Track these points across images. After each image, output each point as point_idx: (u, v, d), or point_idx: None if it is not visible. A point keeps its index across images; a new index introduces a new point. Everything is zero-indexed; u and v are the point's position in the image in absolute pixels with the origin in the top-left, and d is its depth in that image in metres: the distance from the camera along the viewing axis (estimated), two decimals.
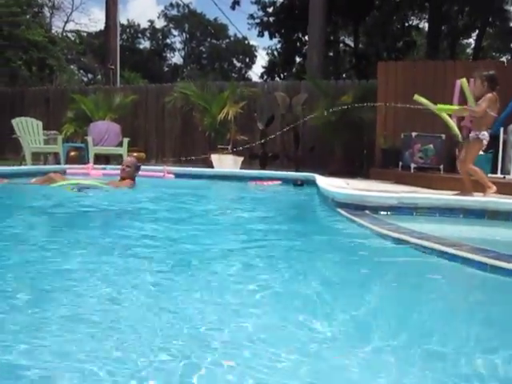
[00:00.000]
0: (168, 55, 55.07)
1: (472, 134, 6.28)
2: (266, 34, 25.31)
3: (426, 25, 23.42)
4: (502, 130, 9.04)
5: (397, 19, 21.43)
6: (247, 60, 52.24)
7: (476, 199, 5.13)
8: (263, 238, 4.01)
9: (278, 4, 25.35)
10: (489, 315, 2.32)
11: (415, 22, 28.07)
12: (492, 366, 1.72)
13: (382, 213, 4.80)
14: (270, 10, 25.52)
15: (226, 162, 11.60)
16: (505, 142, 8.96)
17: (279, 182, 8.95)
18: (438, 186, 8.12)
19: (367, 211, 4.75)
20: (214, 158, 11.84)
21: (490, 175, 8.82)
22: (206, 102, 13.46)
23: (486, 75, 6.24)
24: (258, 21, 26.28)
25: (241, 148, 13.25)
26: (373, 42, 21.84)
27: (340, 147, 12.90)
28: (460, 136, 10.34)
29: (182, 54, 55.39)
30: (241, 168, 13.04)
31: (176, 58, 56.88)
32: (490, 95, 6.14)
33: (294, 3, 23.46)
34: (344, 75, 28.05)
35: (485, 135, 6.25)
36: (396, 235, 3.56)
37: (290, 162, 13.89)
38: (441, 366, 1.74)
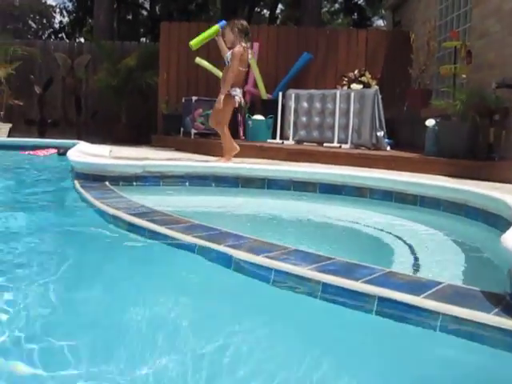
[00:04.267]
0: None
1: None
2: None
3: None
4: (280, 94, 8.81)
5: None
6: (44, 21, 48.31)
7: (229, 166, 4.63)
8: None
9: None
10: None
11: None
12: None
13: (124, 183, 4.09)
14: None
15: None
16: (283, 107, 8.75)
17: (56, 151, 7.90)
18: (218, 152, 7.63)
19: (107, 182, 4.01)
20: None
21: (269, 141, 8.60)
22: None
23: (237, 23, 5.81)
24: None
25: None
26: (166, 3, 20.94)
27: (125, 113, 12.01)
28: (243, 101, 10.07)
29: None
30: (16, 136, 11.70)
31: None
32: (237, 50, 5.68)
33: None
34: (145, 40, 26.92)
35: (237, 91, 5.81)
36: (112, 211, 2.86)
37: (71, 128, 12.69)
38: None
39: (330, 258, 1.99)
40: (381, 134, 7.72)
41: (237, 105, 5.95)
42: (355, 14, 28.23)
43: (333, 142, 7.98)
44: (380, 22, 36.67)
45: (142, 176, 4.17)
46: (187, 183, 4.26)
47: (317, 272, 1.82)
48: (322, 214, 3.77)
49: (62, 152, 7.43)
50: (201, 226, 2.50)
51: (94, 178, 4.12)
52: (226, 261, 2.06)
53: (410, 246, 2.93)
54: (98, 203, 3.09)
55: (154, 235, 2.45)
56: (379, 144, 7.68)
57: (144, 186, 4.16)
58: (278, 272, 1.89)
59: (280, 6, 31.39)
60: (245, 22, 5.96)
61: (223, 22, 5.99)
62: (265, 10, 35.19)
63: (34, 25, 49.67)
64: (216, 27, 5.96)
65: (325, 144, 8.00)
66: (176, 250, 2.29)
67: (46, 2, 46.71)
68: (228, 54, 5.78)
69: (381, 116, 7.77)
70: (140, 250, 2.51)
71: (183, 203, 3.92)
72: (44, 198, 4.00)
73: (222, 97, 5.71)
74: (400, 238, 3.08)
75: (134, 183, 4.17)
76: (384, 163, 6.28)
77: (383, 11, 31.63)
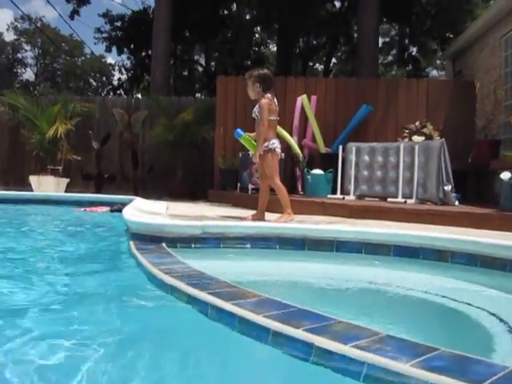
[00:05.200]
0: (19, 71, 51.51)
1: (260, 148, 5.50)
2: (114, 49, 24.05)
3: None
4: (341, 148, 8.53)
5: (245, 37, 20.95)
6: (104, 79, 50.23)
7: (295, 226, 4.31)
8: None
9: (126, 18, 24.13)
10: None
11: (267, 42, 28.24)
12: None
13: (182, 245, 3.83)
14: (118, 24, 24.25)
15: (46, 185, 10.20)
16: (343, 161, 8.45)
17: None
18: (277, 208, 7.34)
19: (164, 244, 3.76)
20: (33, 179, 10.41)
21: (330, 196, 8.28)
22: (35, 117, 11.96)
23: (256, 74, 5.50)
24: (105, 35, 24.91)
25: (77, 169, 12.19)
26: (222, 59, 21.23)
27: (181, 167, 11.96)
28: (301, 155, 9.84)
29: (35, 70, 52.14)
30: (74, 190, 11.82)
31: (28, 74, 53.38)
32: (264, 101, 5.40)
33: (142, 18, 22.40)
34: (200, 95, 27.36)
35: (274, 144, 5.51)
36: (170, 281, 2.58)
37: (128, 183, 12.73)
38: None
39: (433, 349, 1.64)
40: (448, 188, 7.30)
41: (280, 156, 5.65)
42: (409, 65, 28.00)
43: (397, 197, 7.61)
44: (435, 73, 36.43)
45: (201, 237, 3.90)
46: (249, 245, 3.97)
47: (422, 369, 1.48)
48: (399, 284, 3.31)
49: (115, 208, 7.31)
50: (271, 302, 2.19)
51: (150, 238, 3.89)
52: (306, 350, 1.73)
53: (509, 326, 2.51)
54: (155, 270, 2.82)
55: (218, 312, 2.14)
56: (447, 199, 7.25)
57: (203, 248, 3.89)
58: (373, 367, 1.55)
59: (333, 60, 31.55)
60: (264, 71, 5.61)
61: (238, 132, 5.78)
62: (317, 64, 35.48)
63: (94, 82, 51.66)
64: (243, 138, 5.72)
65: (388, 199, 7.63)
66: (243, 331, 1.98)
67: (106, 61, 48.67)
68: (255, 108, 5.55)
69: (448, 169, 7.36)
70: (201, 329, 2.21)
71: (246, 269, 3.62)
72: (96, 260, 3.78)
73: (257, 153, 5.46)
74: (494, 315, 2.66)
75: (193, 245, 3.91)
76: (455, 220, 5.84)
77: (438, 61, 31.43)
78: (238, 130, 5.81)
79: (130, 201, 7.43)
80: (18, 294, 2.68)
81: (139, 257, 3.25)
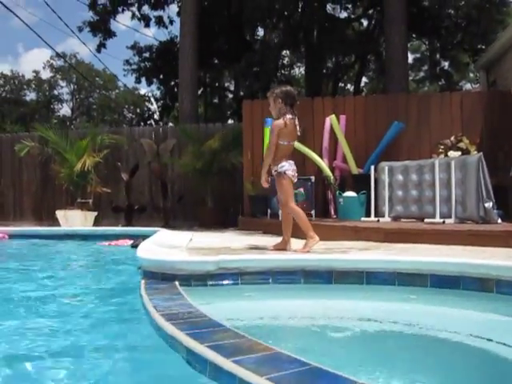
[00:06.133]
0: (56, 107, 52.61)
1: (272, 172, 5.17)
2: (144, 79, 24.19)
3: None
4: (372, 168, 8.14)
5: (271, 60, 20.57)
6: (138, 110, 50.79)
7: (320, 258, 3.92)
8: None
9: (154, 49, 24.29)
10: None
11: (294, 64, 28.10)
12: None
13: (197, 283, 3.50)
14: (147, 55, 24.42)
15: (73, 219, 10.03)
16: (376, 182, 8.05)
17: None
18: (300, 233, 6.97)
19: (177, 282, 3.44)
20: (59, 214, 10.26)
21: (363, 219, 7.89)
22: (65, 151, 11.91)
23: (278, 91, 5.13)
24: (135, 67, 25.11)
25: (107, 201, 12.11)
26: (249, 84, 20.97)
27: (211, 196, 11.70)
28: (332, 178, 9.47)
29: (71, 105, 53.22)
30: (105, 223, 11.74)
31: (64, 110, 54.46)
32: (276, 123, 5.07)
33: (169, 48, 22.49)
34: (233, 121, 27.28)
35: (284, 166, 5.11)
36: (170, 330, 2.26)
37: (158, 213, 12.53)
38: None
39: None
40: (489, 205, 6.82)
41: (293, 179, 5.25)
42: (442, 80, 27.42)
43: (434, 218, 7.16)
44: (468, 86, 35.70)
45: (217, 274, 3.56)
46: (270, 280, 3.60)
47: None
48: (439, 325, 2.85)
49: (136, 244, 7.02)
50: (280, 358, 1.83)
51: (162, 276, 3.58)
52: None
53: None
54: (157, 316, 2.50)
55: (217, 372, 1.81)
56: (488, 217, 6.78)
57: (219, 285, 3.55)
58: None
59: (364, 80, 31.22)
60: (286, 88, 5.23)
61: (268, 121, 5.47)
62: (349, 85, 35.16)
63: (128, 115, 52.34)
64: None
65: (426, 220, 7.19)
66: None
67: (138, 93, 49.27)
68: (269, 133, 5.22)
69: (487, 185, 6.89)
70: None
71: (264, 310, 3.24)
72: (102, 302, 3.48)
73: (263, 178, 5.17)
74: None
75: (208, 282, 3.57)
76: (499, 240, 5.39)
77: (471, 74, 30.83)
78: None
79: (154, 233, 7.17)
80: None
81: (145, 299, 2.94)
